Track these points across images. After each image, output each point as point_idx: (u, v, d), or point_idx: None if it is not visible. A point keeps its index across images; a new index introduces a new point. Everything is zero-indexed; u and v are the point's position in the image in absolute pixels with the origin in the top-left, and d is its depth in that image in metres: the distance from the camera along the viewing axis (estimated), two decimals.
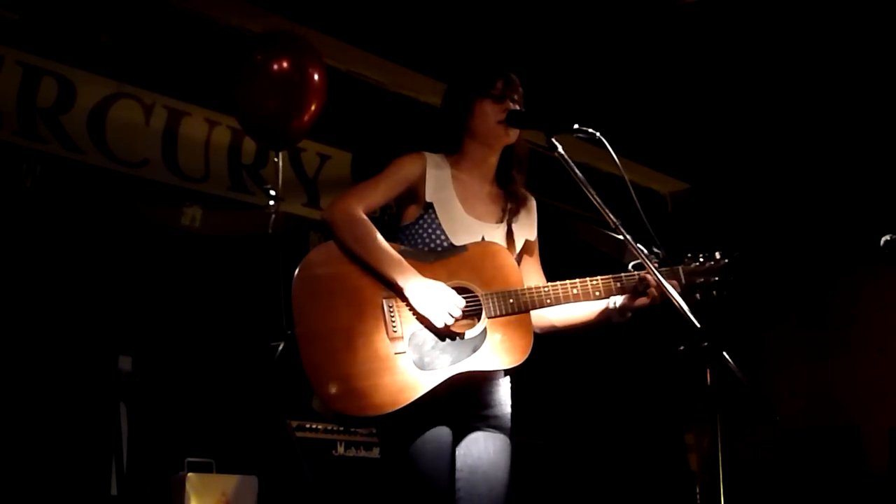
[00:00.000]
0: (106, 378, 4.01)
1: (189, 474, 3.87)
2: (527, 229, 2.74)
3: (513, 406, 2.62)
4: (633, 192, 2.40)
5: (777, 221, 6.60)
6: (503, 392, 2.61)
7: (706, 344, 2.23)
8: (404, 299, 2.41)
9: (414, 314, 2.41)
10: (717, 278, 2.61)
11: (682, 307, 2.28)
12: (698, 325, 2.25)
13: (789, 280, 6.70)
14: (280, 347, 2.34)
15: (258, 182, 4.92)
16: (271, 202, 4.27)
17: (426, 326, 2.41)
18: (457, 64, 2.74)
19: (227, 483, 3.96)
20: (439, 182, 2.61)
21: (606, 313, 2.63)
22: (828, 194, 6.35)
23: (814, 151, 6.14)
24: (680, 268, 2.60)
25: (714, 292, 2.60)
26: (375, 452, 4.19)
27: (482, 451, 2.52)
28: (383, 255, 2.43)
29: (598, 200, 2.40)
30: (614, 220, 2.39)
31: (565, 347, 2.58)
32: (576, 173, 2.43)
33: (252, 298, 4.67)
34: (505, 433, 2.58)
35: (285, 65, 4.05)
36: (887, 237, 2.97)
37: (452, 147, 2.68)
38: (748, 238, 6.63)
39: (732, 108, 5.75)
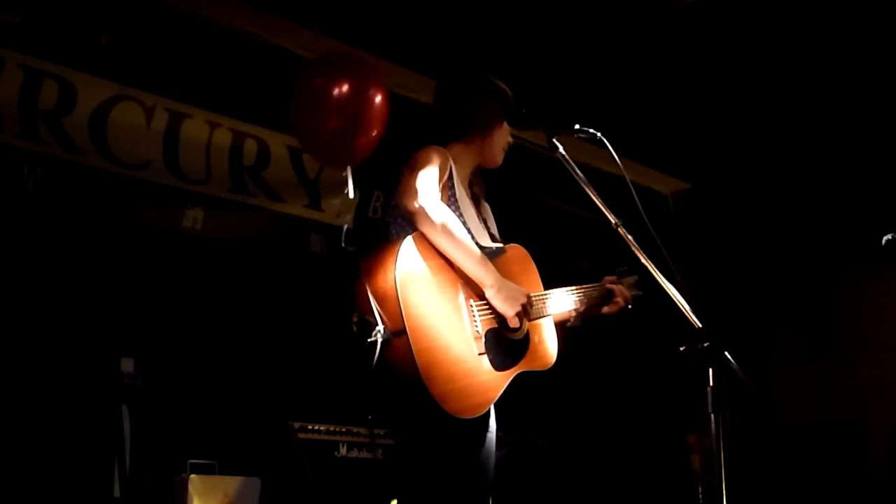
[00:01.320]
0: (108, 380, 4.01)
1: (191, 476, 3.87)
2: (494, 229, 2.82)
3: (515, 406, 2.66)
4: (634, 192, 2.41)
5: (778, 221, 6.60)
6: None
7: (707, 344, 2.23)
8: (481, 299, 2.44)
9: (491, 314, 2.45)
10: (640, 291, 2.84)
11: (684, 308, 2.29)
12: (699, 326, 2.25)
13: (791, 279, 6.70)
14: (379, 342, 2.29)
15: (259, 183, 4.92)
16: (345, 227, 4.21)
17: (503, 326, 2.45)
18: (493, 77, 2.75)
19: (230, 484, 3.96)
20: (457, 179, 2.64)
21: (566, 317, 2.76)
22: (829, 194, 6.35)
23: (815, 151, 6.14)
24: (624, 280, 2.84)
25: (632, 303, 2.85)
26: (378, 454, 4.19)
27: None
28: (472, 253, 2.43)
29: (600, 201, 2.41)
30: (615, 220, 2.41)
31: (567, 347, 2.60)
32: (577, 173, 2.45)
33: (253, 300, 4.68)
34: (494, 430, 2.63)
35: (346, 88, 3.52)
36: (888, 236, 2.97)
37: (456, 140, 2.70)
38: (750, 238, 6.63)
39: (733, 107, 5.75)
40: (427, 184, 2.44)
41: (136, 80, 4.50)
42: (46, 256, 4.11)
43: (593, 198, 2.43)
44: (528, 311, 2.47)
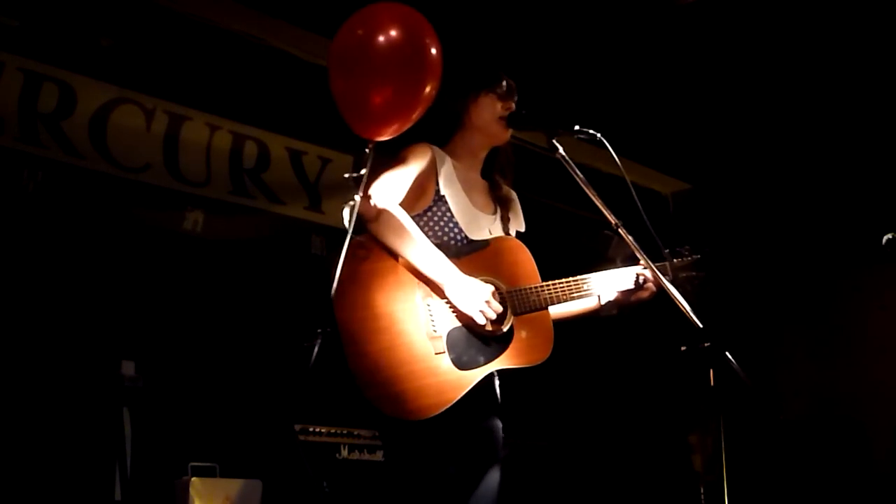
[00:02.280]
0: (109, 383, 4.01)
1: (193, 479, 3.87)
2: (517, 221, 2.77)
3: (515, 407, 2.64)
4: (634, 192, 2.41)
5: (779, 221, 6.59)
6: (498, 391, 2.61)
7: (708, 344, 2.23)
8: (444, 297, 2.39)
9: (455, 312, 2.39)
10: (695, 273, 2.66)
11: (684, 307, 2.28)
12: (700, 326, 2.25)
13: (792, 280, 6.69)
14: (316, 348, 2.27)
15: (259, 186, 4.93)
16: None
17: (467, 325, 2.39)
18: (456, 58, 2.70)
19: (231, 487, 3.96)
20: (447, 174, 2.60)
21: (597, 307, 2.70)
22: (829, 194, 6.34)
23: (815, 151, 6.14)
24: (667, 264, 2.63)
25: (690, 286, 2.64)
26: (379, 455, 4.19)
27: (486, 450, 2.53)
28: (425, 252, 2.39)
29: (600, 201, 2.41)
30: (616, 220, 2.40)
31: (567, 347, 2.58)
32: (577, 174, 2.44)
33: (254, 302, 4.68)
34: (500, 431, 2.59)
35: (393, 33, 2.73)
36: (889, 236, 2.97)
37: (444, 138, 2.67)
38: (750, 238, 6.63)
39: (733, 107, 5.75)
40: (382, 184, 2.41)
41: (136, 82, 4.51)
42: (47, 259, 4.11)
43: (593, 198, 2.43)
44: (492, 306, 2.39)
